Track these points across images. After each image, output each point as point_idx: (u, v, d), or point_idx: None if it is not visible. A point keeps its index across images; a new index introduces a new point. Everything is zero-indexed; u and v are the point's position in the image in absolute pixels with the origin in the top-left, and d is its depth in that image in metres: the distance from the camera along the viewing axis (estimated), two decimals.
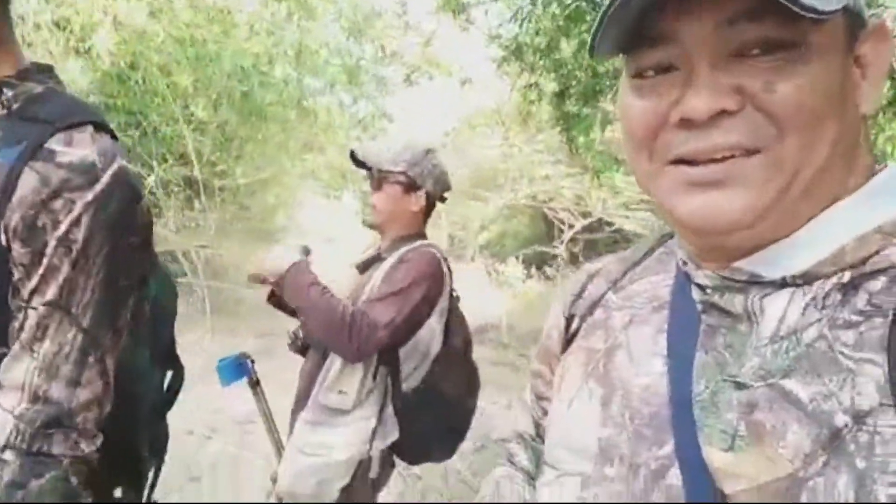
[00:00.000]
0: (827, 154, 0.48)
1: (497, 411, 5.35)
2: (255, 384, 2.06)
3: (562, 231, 7.99)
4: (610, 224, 7.57)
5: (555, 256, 7.98)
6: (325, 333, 1.65)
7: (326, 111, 8.33)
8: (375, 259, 1.87)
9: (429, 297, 1.74)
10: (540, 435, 0.74)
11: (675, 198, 0.51)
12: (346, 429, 1.73)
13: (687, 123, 0.49)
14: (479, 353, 6.40)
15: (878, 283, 0.48)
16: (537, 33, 4.46)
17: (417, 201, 1.87)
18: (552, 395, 0.69)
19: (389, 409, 1.79)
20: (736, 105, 0.47)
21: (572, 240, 7.95)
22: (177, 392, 1.24)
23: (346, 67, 6.93)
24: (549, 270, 8.05)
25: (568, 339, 0.70)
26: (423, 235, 1.91)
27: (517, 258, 8.89)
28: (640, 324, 0.61)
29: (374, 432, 1.75)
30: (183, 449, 3.65)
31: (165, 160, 5.53)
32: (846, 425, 0.45)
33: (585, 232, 7.96)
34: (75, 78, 4.83)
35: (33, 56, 3.77)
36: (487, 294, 8.53)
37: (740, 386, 0.50)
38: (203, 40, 5.67)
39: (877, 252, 0.49)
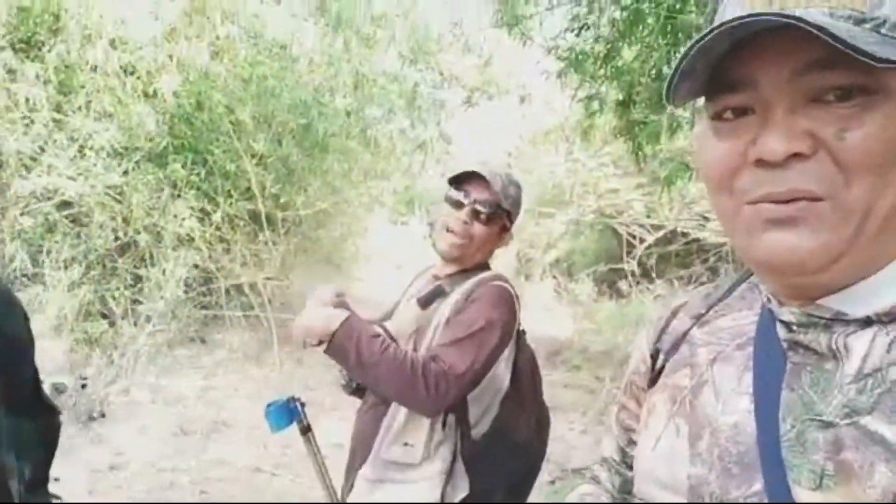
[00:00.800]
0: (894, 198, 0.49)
1: (573, 437, 5.09)
2: (305, 429, 1.91)
3: (633, 246, 7.66)
4: (684, 235, 7.20)
5: (627, 272, 7.64)
6: (395, 389, 1.47)
7: (388, 138, 8.36)
8: (439, 293, 1.67)
9: (504, 338, 1.56)
10: (625, 461, 0.78)
11: (752, 237, 0.53)
12: (414, 486, 1.56)
13: (763, 164, 0.50)
14: (551, 377, 6.12)
15: None
16: (596, 41, 4.28)
17: (506, 242, 1.72)
18: (640, 430, 0.70)
19: (459, 461, 1.60)
20: (809, 149, 0.49)
21: (646, 254, 7.61)
22: (52, 444, 1.01)
23: (404, 93, 6.91)
24: (621, 287, 7.69)
25: (654, 376, 0.70)
26: (487, 266, 1.73)
27: (588, 276, 8.56)
28: (725, 361, 0.62)
29: (445, 488, 1.57)
30: (251, 487, 3.60)
31: (230, 196, 5.62)
32: None
33: (658, 245, 7.60)
34: (143, 121, 4.99)
35: (103, 102, 3.88)
36: (558, 314, 8.27)
37: (826, 425, 0.51)
38: (263, 76, 5.77)
39: None
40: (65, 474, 3.57)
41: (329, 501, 1.79)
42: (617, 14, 4.01)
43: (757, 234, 0.52)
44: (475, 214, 1.61)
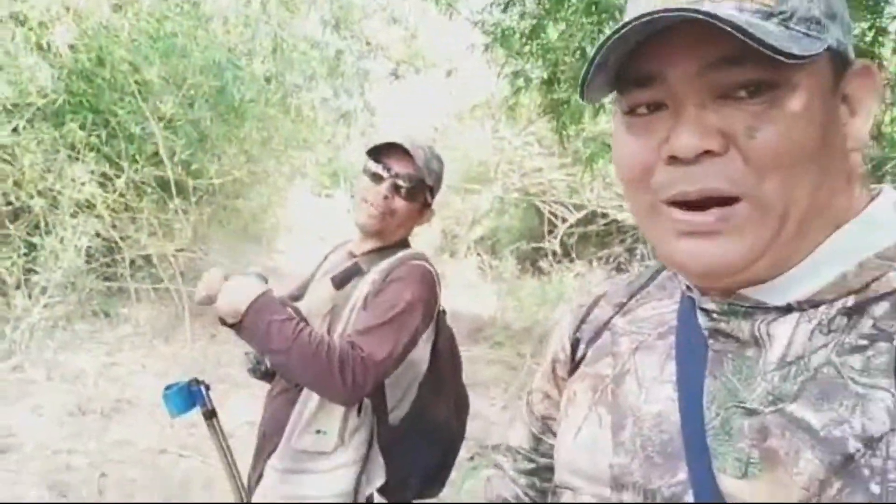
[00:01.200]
0: (813, 191, 0.50)
1: (493, 413, 5.15)
2: (209, 414, 1.78)
3: (555, 225, 7.78)
4: (604, 216, 7.36)
5: (548, 251, 7.76)
6: (308, 378, 1.38)
7: (311, 107, 8.08)
8: (355, 271, 1.58)
9: (425, 320, 1.51)
10: (537, 449, 0.77)
11: (670, 244, 0.53)
12: (327, 475, 1.48)
13: (675, 161, 0.50)
14: (474, 353, 6.18)
15: (882, 308, 0.50)
16: (522, 17, 4.24)
17: (426, 218, 1.66)
18: (559, 419, 0.69)
19: (375, 448, 1.53)
20: (720, 147, 0.49)
21: (567, 233, 7.74)
22: None
23: (326, 60, 6.66)
24: (543, 265, 7.82)
25: (574, 365, 0.70)
26: (407, 244, 1.65)
27: (511, 253, 8.66)
28: (647, 350, 0.62)
29: (360, 477, 1.49)
30: (154, 469, 3.42)
31: (136, 160, 5.26)
32: (858, 450, 0.45)
33: (580, 225, 7.74)
34: (36, 76, 4.57)
35: None
36: (481, 291, 8.33)
37: (751, 412, 0.51)
38: (172, 34, 5.40)
39: (878, 277, 0.51)
40: None
41: (235, 490, 1.69)
42: None
43: (674, 240, 0.53)
44: (396, 188, 1.54)
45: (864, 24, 2.45)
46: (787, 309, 0.52)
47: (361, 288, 1.53)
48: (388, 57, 9.15)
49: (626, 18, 0.49)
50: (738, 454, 0.50)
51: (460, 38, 5.52)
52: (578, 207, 7.64)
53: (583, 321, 0.71)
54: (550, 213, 7.93)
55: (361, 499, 1.52)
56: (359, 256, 1.61)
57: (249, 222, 8.23)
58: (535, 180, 8.28)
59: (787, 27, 0.48)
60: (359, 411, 1.49)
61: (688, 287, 0.59)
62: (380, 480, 1.53)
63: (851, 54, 0.53)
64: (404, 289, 1.48)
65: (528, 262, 8.42)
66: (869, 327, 0.50)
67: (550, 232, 7.80)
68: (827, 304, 0.52)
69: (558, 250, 7.62)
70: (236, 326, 1.38)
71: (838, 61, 0.51)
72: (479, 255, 9.40)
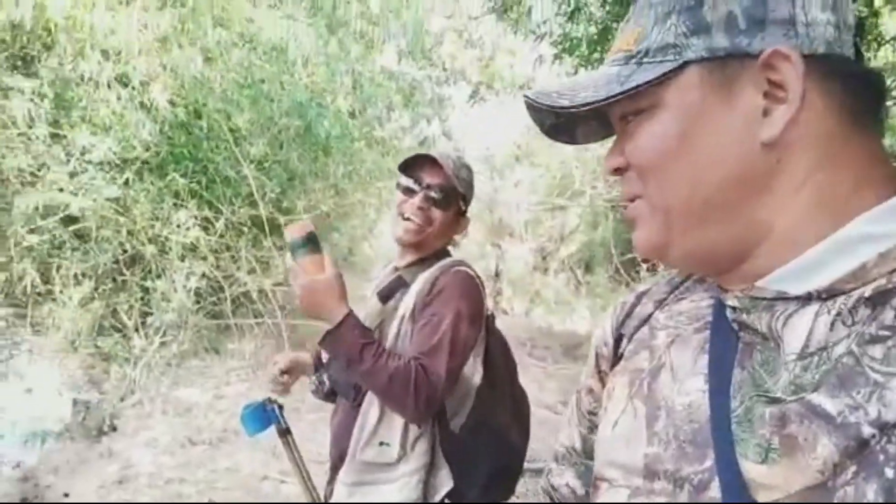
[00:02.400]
0: (693, 185, 0.56)
1: None
2: (284, 432, 1.86)
3: None
4: None
5: (643, 261, 7.47)
6: (386, 398, 1.45)
7: (394, 137, 8.29)
8: (399, 284, 1.63)
9: (475, 327, 1.52)
10: (586, 450, 0.78)
11: None
12: (393, 485, 1.50)
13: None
14: (571, 371, 6.02)
15: None
16: (588, 24, 4.17)
17: (463, 226, 1.68)
18: (600, 414, 0.71)
19: (440, 456, 1.54)
20: (620, 163, 0.62)
21: None
22: None
23: (402, 90, 6.82)
24: (637, 277, 7.53)
25: (616, 359, 0.72)
26: (447, 253, 1.68)
27: (603, 268, 8.41)
28: (682, 343, 0.64)
29: (427, 485, 1.51)
30: (258, 494, 3.55)
31: (232, 202, 5.59)
32: (873, 436, 0.46)
33: None
34: (140, 132, 4.98)
35: (98, 114, 3.84)
36: (576, 307, 8.13)
37: (773, 401, 0.53)
38: (259, 80, 5.73)
39: None
40: (74, 489, 3.56)
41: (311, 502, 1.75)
42: None
43: None
44: (430, 199, 1.58)
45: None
46: (808, 298, 0.53)
47: (407, 300, 1.57)
48: (466, 80, 9.28)
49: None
50: (760, 440, 0.52)
51: (530, 53, 5.50)
52: None
53: (627, 316, 0.74)
54: None
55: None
56: (401, 269, 1.65)
57: (345, 255, 8.51)
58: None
59: (642, 62, 0.57)
60: None
61: (714, 283, 0.64)
62: (447, 486, 1.53)
63: (751, 48, 0.54)
64: (450, 300, 1.50)
65: (623, 275, 8.15)
66: (891, 318, 0.50)
67: None
68: (846, 295, 0.52)
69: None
70: (323, 338, 1.45)
71: (717, 64, 0.55)
72: (571, 270, 9.21)
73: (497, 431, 1.62)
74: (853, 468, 0.47)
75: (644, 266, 7.41)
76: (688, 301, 0.68)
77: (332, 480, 1.67)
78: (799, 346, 0.52)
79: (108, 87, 4.85)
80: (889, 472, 0.45)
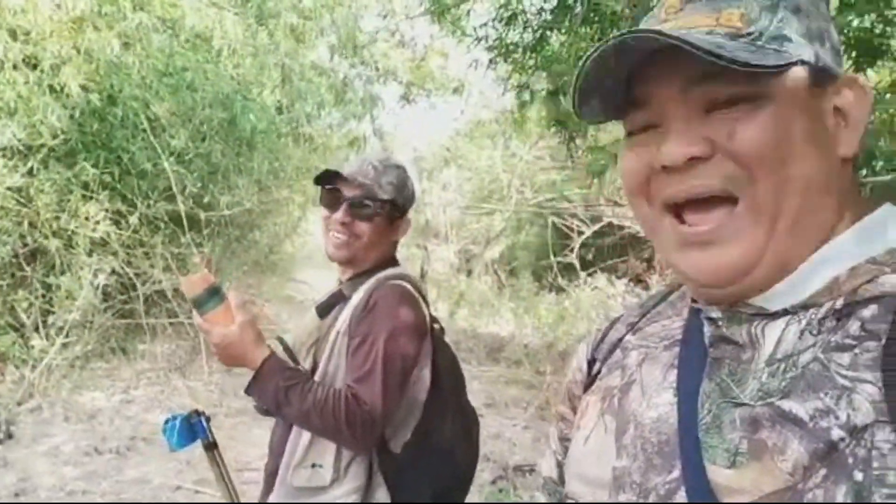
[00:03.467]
0: (803, 191, 0.54)
1: (515, 434, 5.02)
2: (210, 446, 1.74)
3: (572, 239, 7.67)
4: (621, 228, 7.24)
5: (567, 266, 7.64)
6: (323, 434, 1.42)
7: (322, 135, 8.12)
8: (338, 299, 1.57)
9: (413, 341, 1.47)
10: (562, 478, 0.76)
11: (675, 254, 0.59)
12: None
13: (667, 169, 0.57)
14: (492, 373, 6.06)
15: (870, 311, 0.52)
16: (525, 30, 4.20)
17: (401, 230, 1.61)
18: (572, 432, 0.72)
19: (378, 478, 1.48)
20: (704, 152, 0.55)
21: (583, 247, 7.62)
22: None
23: (334, 87, 6.68)
24: (560, 282, 7.70)
25: (589, 381, 0.73)
26: (394, 262, 1.62)
27: (527, 271, 8.55)
28: (652, 361, 0.65)
29: None
30: None
31: (148, 196, 5.29)
32: (842, 439, 0.47)
33: (596, 238, 7.63)
34: (48, 117, 4.62)
35: (3, 97, 3.53)
36: (499, 309, 8.22)
37: (740, 405, 0.54)
38: (182, 68, 5.46)
39: (869, 281, 0.53)
40: None
41: None
42: (545, 4, 3.95)
43: (679, 252, 0.58)
44: (351, 213, 1.52)
45: (872, 16, 2.38)
46: (783, 312, 0.55)
47: (344, 314, 1.52)
48: (397, 80, 9.22)
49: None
50: (728, 445, 0.53)
51: (466, 56, 5.52)
52: (594, 220, 7.53)
53: (600, 343, 0.75)
54: (566, 227, 7.83)
55: None
56: (343, 283, 1.60)
57: (266, 253, 8.25)
58: (550, 195, 8.21)
59: (756, 45, 0.54)
60: None
61: (693, 300, 0.64)
62: None
63: (838, 71, 0.57)
64: (383, 318, 1.45)
65: (546, 279, 8.31)
66: (857, 328, 0.52)
67: (566, 247, 7.69)
68: (817, 307, 0.54)
69: (576, 265, 7.50)
70: (250, 383, 1.42)
71: (818, 75, 0.55)
72: (495, 273, 9.31)
73: (442, 450, 1.57)
74: (823, 471, 0.47)
75: (568, 271, 7.58)
76: (659, 324, 0.69)
77: (266, 493, 1.59)
78: (768, 353, 0.54)
79: (15, 68, 4.47)
80: (858, 476, 0.46)
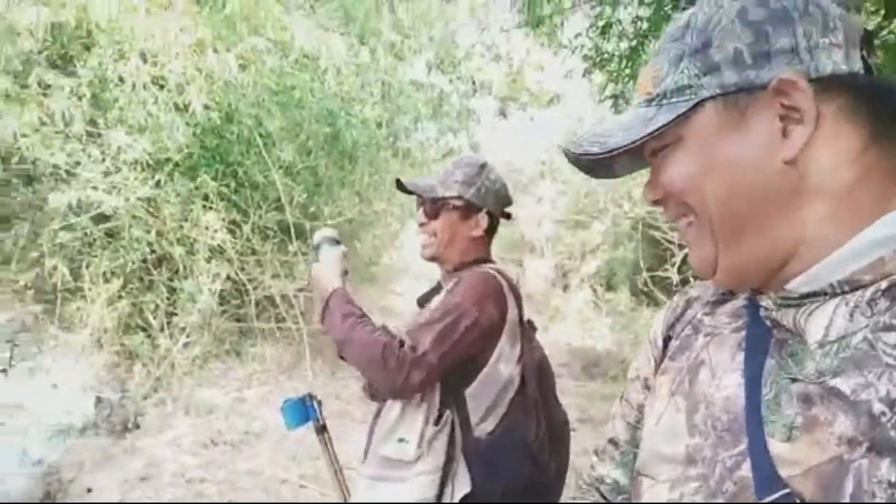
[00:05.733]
0: (726, 201, 0.62)
1: None
2: (321, 429, 1.88)
3: (673, 253, 7.42)
4: None
5: (665, 281, 7.40)
6: (363, 367, 1.48)
7: (420, 148, 8.33)
8: (435, 291, 1.69)
9: (483, 324, 1.49)
10: (634, 439, 0.82)
11: None
12: (409, 483, 1.49)
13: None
14: (588, 389, 5.98)
15: None
16: (620, 39, 4.17)
17: (478, 224, 1.67)
18: (646, 411, 0.77)
19: (460, 458, 1.52)
20: (657, 195, 0.69)
21: (683, 261, 7.35)
22: None
23: (431, 102, 6.86)
24: (660, 296, 7.46)
25: (663, 357, 0.77)
26: (487, 259, 1.69)
27: (626, 285, 8.34)
28: (720, 342, 0.69)
29: (443, 486, 1.49)
30: (277, 498, 3.54)
31: (260, 207, 5.64)
32: (883, 413, 0.50)
33: None
34: (174, 134, 5.04)
35: (134, 115, 3.90)
36: (596, 325, 8.06)
37: (797, 383, 0.58)
38: (291, 87, 5.80)
39: None
40: (97, 485, 3.58)
41: (342, 499, 1.78)
42: (641, 11, 3.90)
43: None
44: (425, 213, 1.66)
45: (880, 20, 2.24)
46: (829, 293, 0.58)
47: (436, 301, 1.62)
48: (494, 95, 9.32)
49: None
50: (785, 420, 0.57)
51: (561, 68, 5.51)
52: None
53: (676, 321, 0.79)
54: (666, 240, 7.59)
55: None
56: (442, 279, 1.73)
57: (367, 263, 8.53)
58: (648, 208, 7.98)
59: (661, 105, 0.64)
60: (437, 421, 1.50)
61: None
62: (464, 489, 1.51)
63: (759, 80, 0.60)
64: (460, 293, 1.53)
65: (645, 294, 8.07)
66: None
67: (666, 261, 7.45)
68: (864, 288, 0.57)
69: (676, 279, 7.25)
70: (320, 316, 1.57)
71: (730, 98, 0.61)
72: (592, 288, 9.14)
73: (525, 445, 1.58)
74: (867, 444, 0.51)
75: (668, 286, 7.33)
76: (729, 304, 0.73)
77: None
78: (819, 336, 0.58)
79: (145, 88, 4.92)
80: None
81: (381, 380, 1.45)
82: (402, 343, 1.45)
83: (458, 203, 1.64)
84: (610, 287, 9.04)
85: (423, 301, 1.72)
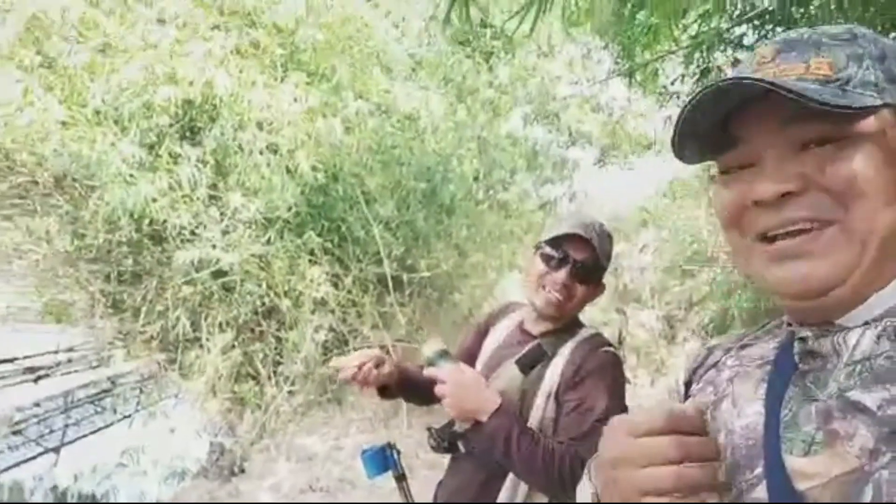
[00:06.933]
0: (891, 224, 0.58)
1: None
2: (400, 478, 1.91)
3: None
4: None
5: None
6: (538, 483, 1.48)
7: (518, 199, 8.41)
8: (539, 354, 1.62)
9: (622, 406, 1.54)
10: None
11: (764, 271, 0.63)
12: None
13: (760, 204, 0.61)
14: None
15: None
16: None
17: (600, 292, 1.69)
18: None
19: None
20: (798, 187, 0.60)
21: None
22: None
23: (525, 154, 6.94)
24: None
25: (685, 399, 0.80)
26: (578, 321, 1.69)
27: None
28: (744, 376, 0.70)
29: None
30: None
31: (360, 260, 5.89)
32: None
33: None
34: (283, 194, 5.42)
35: (250, 178, 4.26)
36: None
37: (816, 401, 0.58)
38: (392, 146, 6.09)
39: None
40: None
41: None
42: (738, 54, 3.80)
43: (769, 269, 0.63)
44: (576, 276, 1.59)
45: None
46: (864, 324, 0.60)
47: (552, 375, 1.56)
48: (592, 144, 9.27)
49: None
50: (804, 437, 0.57)
51: (659, 114, 5.43)
52: None
53: (699, 366, 0.80)
54: None
55: None
56: (540, 338, 1.64)
57: (466, 315, 8.59)
58: None
59: (843, 90, 0.59)
60: None
61: (789, 323, 0.69)
62: None
63: None
64: (600, 384, 1.50)
65: None
66: None
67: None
68: (893, 317, 0.59)
69: None
70: (472, 429, 1.48)
71: None
72: (702, 340, 8.64)
73: None
74: (889, 454, 0.52)
75: None
76: (755, 348, 0.73)
77: None
78: (846, 358, 0.59)
79: (260, 153, 5.35)
80: None
81: (560, 494, 1.43)
82: (574, 459, 1.43)
83: (597, 275, 1.64)
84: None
85: (526, 367, 1.61)
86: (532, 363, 1.61)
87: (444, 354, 1.57)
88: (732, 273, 8.15)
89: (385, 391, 1.85)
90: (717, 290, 8.93)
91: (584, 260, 1.58)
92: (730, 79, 0.59)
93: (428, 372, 1.54)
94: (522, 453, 1.41)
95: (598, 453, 0.72)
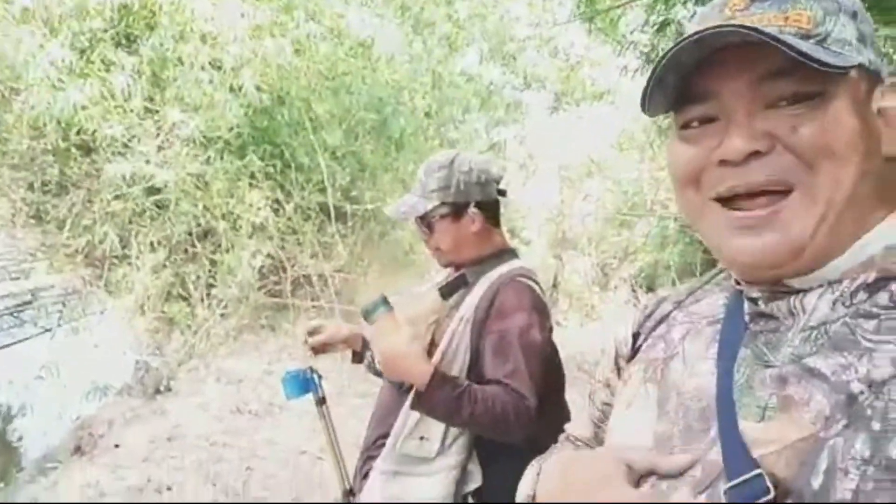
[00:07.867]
0: (853, 186, 0.56)
1: None
2: (320, 402, 1.93)
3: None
4: None
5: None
6: (493, 433, 1.49)
7: (468, 139, 8.35)
8: (461, 283, 1.64)
9: (544, 333, 1.56)
10: (597, 437, 0.84)
11: (722, 239, 0.61)
12: (428, 479, 1.53)
13: (725, 163, 0.58)
14: None
15: None
16: (678, 36, 4.07)
17: (474, 220, 1.64)
18: (615, 399, 0.77)
19: (473, 455, 1.56)
20: (766, 147, 0.57)
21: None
22: None
23: (480, 94, 6.85)
24: None
25: (633, 353, 0.78)
26: (503, 246, 1.69)
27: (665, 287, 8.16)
28: (695, 335, 0.69)
29: (458, 482, 1.54)
30: (294, 468, 3.65)
31: (303, 188, 5.77)
32: (861, 392, 0.51)
33: None
34: (226, 113, 5.21)
35: (190, 94, 4.07)
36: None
37: (770, 367, 0.58)
38: (343, 73, 5.89)
39: None
40: (125, 441, 3.77)
41: (338, 472, 1.84)
42: (699, 9, 3.81)
43: (727, 237, 0.60)
44: (422, 230, 1.66)
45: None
46: (818, 286, 0.59)
47: (469, 302, 1.57)
48: (547, 89, 9.23)
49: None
50: (759, 402, 0.57)
51: (614, 64, 5.43)
52: None
53: (646, 318, 0.78)
54: None
55: (458, 497, 1.54)
56: (465, 268, 1.66)
57: (407, 250, 8.62)
58: None
59: (823, 46, 0.56)
60: None
61: (736, 281, 0.66)
62: (475, 484, 1.55)
63: (884, 73, 0.60)
64: (515, 313, 1.52)
65: None
66: (886, 299, 0.56)
67: (713, 266, 7.25)
68: (850, 280, 0.58)
69: None
70: (414, 399, 1.48)
71: (871, 78, 0.59)
72: (632, 289, 8.98)
73: (533, 442, 1.60)
74: (843, 421, 0.51)
75: None
76: (704, 302, 0.72)
77: (364, 452, 1.71)
78: (802, 322, 0.59)
79: (202, 69, 5.09)
80: (875, 425, 0.50)
81: (515, 433, 1.46)
82: (519, 396, 1.45)
83: (443, 211, 1.61)
84: (650, 289, 8.86)
85: (446, 293, 1.64)
86: (452, 290, 1.64)
87: (379, 305, 1.50)
88: (667, 227, 8.42)
89: (356, 356, 1.90)
90: (651, 243, 9.24)
91: (427, 212, 1.61)
92: (713, 27, 0.55)
93: (365, 330, 1.56)
94: (464, 411, 1.43)
95: (571, 462, 0.70)
